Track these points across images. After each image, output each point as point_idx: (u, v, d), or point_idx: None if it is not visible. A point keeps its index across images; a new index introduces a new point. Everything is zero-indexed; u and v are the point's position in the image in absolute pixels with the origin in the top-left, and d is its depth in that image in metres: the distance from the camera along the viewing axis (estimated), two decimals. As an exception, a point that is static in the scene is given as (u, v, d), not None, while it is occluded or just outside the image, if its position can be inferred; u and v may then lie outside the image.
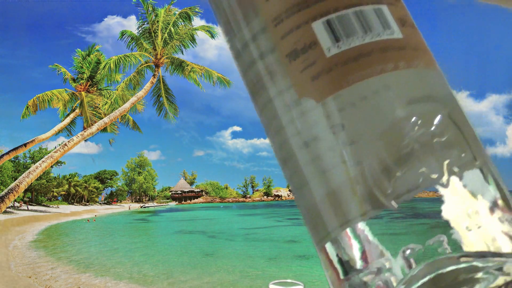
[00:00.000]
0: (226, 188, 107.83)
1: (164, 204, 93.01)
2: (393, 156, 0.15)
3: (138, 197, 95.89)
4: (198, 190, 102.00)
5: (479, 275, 0.14)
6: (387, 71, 0.16)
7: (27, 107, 14.31)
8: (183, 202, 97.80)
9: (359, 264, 0.15)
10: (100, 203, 77.49)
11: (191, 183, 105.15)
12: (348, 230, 0.16)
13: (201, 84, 15.81)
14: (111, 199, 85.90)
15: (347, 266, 0.16)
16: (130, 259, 13.99)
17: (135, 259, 14.01)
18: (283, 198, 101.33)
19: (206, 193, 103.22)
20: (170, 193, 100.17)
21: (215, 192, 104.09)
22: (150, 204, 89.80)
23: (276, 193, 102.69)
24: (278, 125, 0.18)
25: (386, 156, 0.15)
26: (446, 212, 0.14)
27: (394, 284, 0.14)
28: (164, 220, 42.34)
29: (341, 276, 0.16)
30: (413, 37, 0.17)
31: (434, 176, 0.15)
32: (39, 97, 14.38)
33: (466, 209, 0.14)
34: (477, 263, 0.14)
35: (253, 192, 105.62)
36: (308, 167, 0.17)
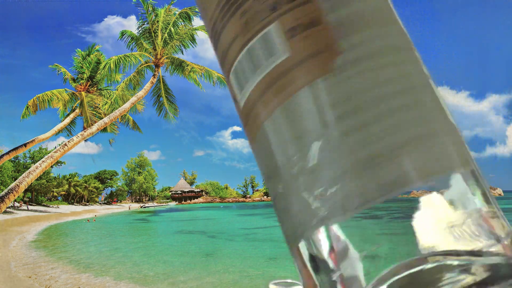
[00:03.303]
0: (226, 188, 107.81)
1: (164, 204, 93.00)
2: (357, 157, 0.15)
3: (138, 197, 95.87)
4: (198, 190, 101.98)
5: (448, 275, 0.14)
6: (283, 103, 0.16)
7: (27, 107, 14.31)
8: (183, 202, 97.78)
9: (329, 264, 0.15)
10: (100, 203, 77.48)
11: (191, 183, 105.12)
12: (321, 230, 0.16)
13: (201, 84, 15.82)
14: (111, 199, 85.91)
15: (318, 265, 0.16)
16: (130, 259, 13.98)
17: (135, 259, 14.01)
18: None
19: (206, 193, 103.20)
20: (170, 193, 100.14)
21: (215, 192, 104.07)
22: (150, 204, 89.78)
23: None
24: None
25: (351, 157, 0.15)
26: (418, 212, 0.15)
27: (363, 285, 0.14)
28: (164, 220, 42.32)
29: (313, 276, 0.16)
30: (301, 45, 0.16)
31: (410, 178, 0.15)
32: (39, 97, 14.37)
33: (439, 210, 0.15)
34: (446, 263, 0.14)
35: (253, 192, 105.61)
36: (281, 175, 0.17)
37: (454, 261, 0.14)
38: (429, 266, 0.14)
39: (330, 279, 0.15)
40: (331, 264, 0.15)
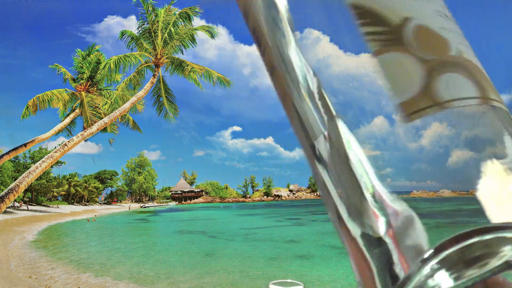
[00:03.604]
0: (226, 188, 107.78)
1: (164, 204, 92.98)
2: None
3: (138, 197, 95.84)
4: (198, 190, 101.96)
5: (507, 246, 0.14)
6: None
7: (27, 107, 14.31)
8: (183, 202, 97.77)
9: (383, 233, 0.15)
10: (100, 203, 77.45)
11: (191, 183, 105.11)
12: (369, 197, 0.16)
13: (201, 84, 15.81)
14: (111, 199, 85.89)
15: (370, 234, 0.16)
16: (130, 259, 13.99)
17: (135, 259, 14.01)
18: (283, 198, 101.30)
19: (206, 193, 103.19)
20: (170, 193, 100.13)
21: (215, 192, 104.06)
22: (150, 204, 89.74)
23: (276, 193, 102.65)
24: None
25: None
26: (479, 184, 0.14)
27: (422, 252, 0.14)
28: (164, 220, 42.32)
29: (365, 248, 0.16)
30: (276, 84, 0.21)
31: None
32: (39, 97, 14.37)
33: (498, 181, 0.14)
34: (505, 234, 0.14)
35: (253, 192, 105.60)
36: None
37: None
38: (488, 237, 0.14)
39: (385, 247, 0.15)
40: (386, 233, 0.15)
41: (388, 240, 0.15)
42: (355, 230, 0.16)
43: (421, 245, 0.14)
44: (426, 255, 0.14)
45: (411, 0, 0.18)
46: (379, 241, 0.15)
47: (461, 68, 0.17)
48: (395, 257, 0.15)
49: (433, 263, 0.14)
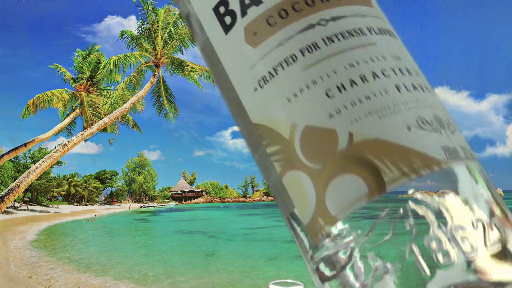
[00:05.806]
0: (226, 188, 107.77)
1: (164, 204, 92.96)
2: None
3: (138, 197, 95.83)
4: (198, 190, 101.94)
5: None
6: None
7: (27, 107, 14.31)
8: (183, 202, 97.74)
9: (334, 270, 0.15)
10: (100, 203, 77.44)
11: (191, 183, 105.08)
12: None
13: (201, 84, 15.81)
14: (111, 199, 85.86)
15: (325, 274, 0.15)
16: (130, 259, 13.98)
17: (135, 259, 14.00)
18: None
19: (206, 193, 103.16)
20: (170, 193, 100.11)
21: (215, 192, 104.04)
22: (150, 204, 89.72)
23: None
24: None
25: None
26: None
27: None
28: (164, 220, 42.31)
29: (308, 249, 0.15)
30: None
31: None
32: (39, 97, 14.37)
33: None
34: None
35: (253, 192, 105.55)
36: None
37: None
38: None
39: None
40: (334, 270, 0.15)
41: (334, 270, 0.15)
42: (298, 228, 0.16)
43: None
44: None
45: (294, 102, 0.15)
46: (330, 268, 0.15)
47: (348, 163, 0.14)
48: None
49: None
